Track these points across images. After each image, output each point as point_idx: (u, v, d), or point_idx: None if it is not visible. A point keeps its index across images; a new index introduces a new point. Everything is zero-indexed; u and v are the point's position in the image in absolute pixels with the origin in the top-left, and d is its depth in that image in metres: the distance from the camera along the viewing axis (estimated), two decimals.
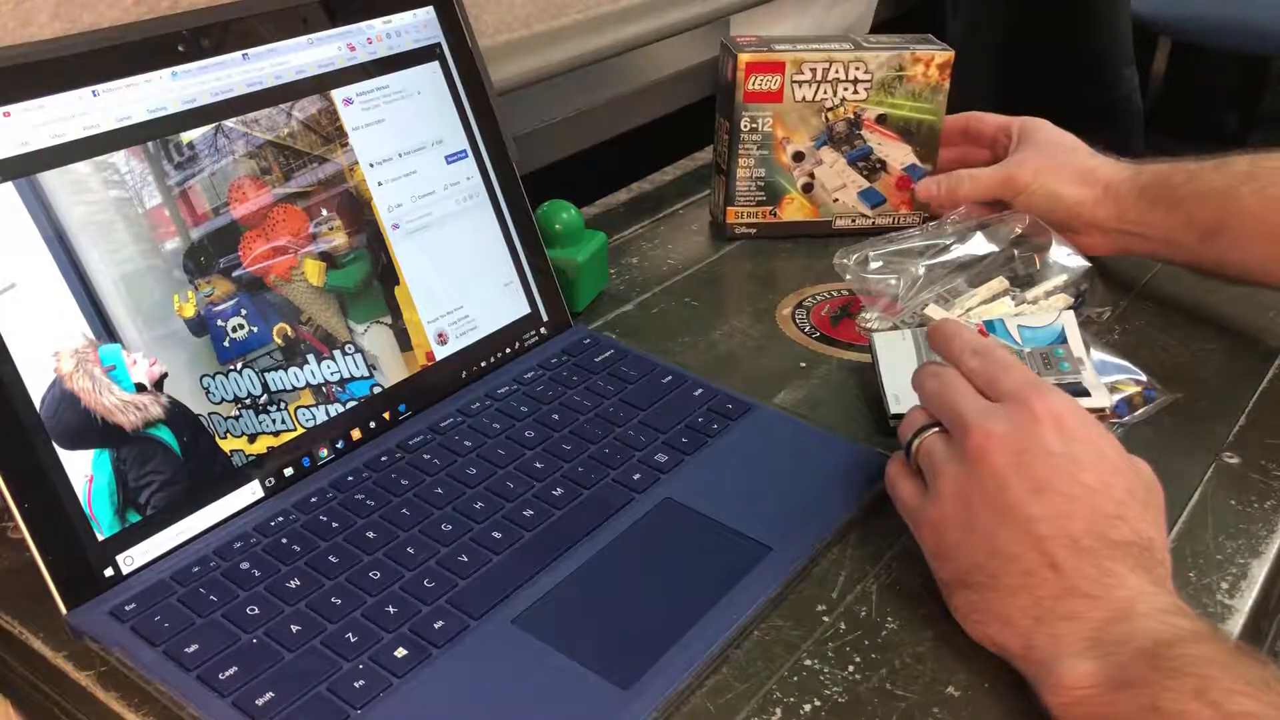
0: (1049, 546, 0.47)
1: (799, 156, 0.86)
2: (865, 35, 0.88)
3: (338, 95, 0.63)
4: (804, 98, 0.84)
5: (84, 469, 0.52)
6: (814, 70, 0.83)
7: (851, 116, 0.86)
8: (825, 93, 0.84)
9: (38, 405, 0.50)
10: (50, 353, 0.51)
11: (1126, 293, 0.82)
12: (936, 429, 0.53)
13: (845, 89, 0.84)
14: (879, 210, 0.89)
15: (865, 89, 0.85)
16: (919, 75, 0.85)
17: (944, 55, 0.85)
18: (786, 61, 0.83)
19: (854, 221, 0.90)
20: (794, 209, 0.88)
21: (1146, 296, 0.81)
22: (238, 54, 0.59)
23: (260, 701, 0.46)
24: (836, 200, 0.89)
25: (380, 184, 0.65)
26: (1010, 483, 0.48)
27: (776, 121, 0.85)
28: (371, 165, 0.65)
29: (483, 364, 0.69)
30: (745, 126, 0.85)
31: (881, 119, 0.86)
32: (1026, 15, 1.71)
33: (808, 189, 0.88)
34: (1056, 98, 1.74)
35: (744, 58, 0.82)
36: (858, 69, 0.84)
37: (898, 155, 0.88)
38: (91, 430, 0.52)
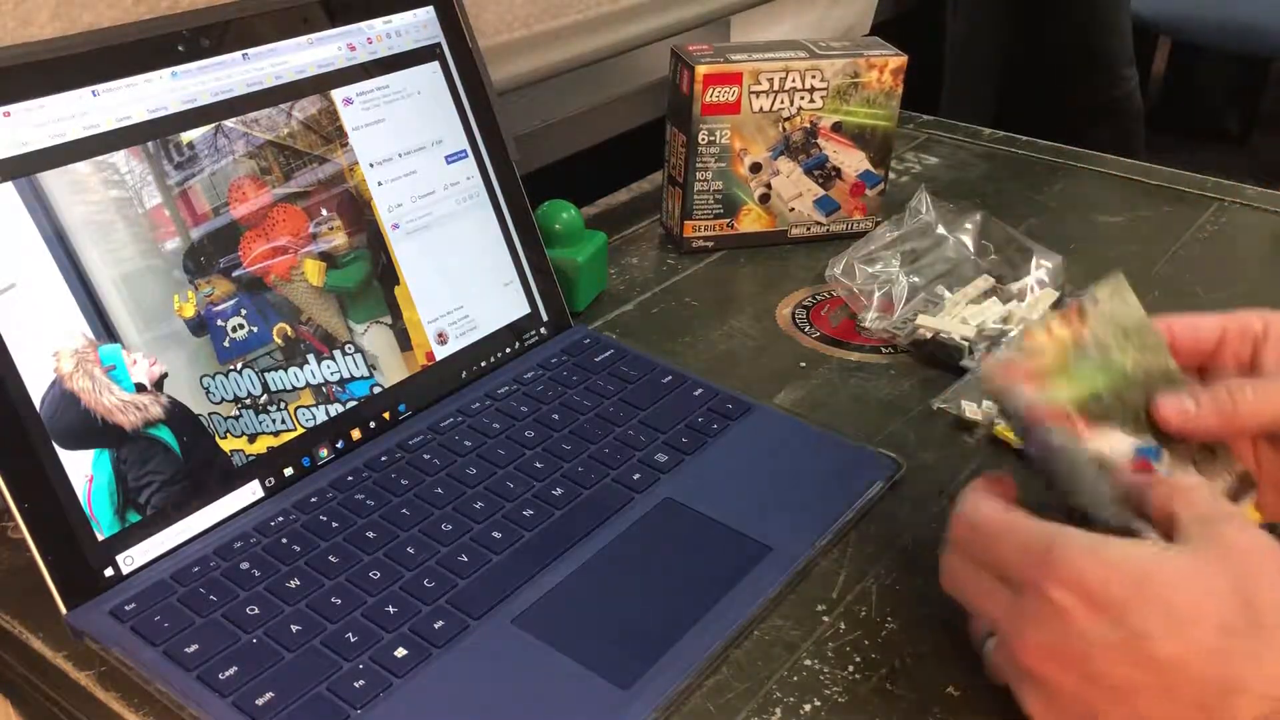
0: None
1: (756, 168, 0.85)
2: (819, 41, 0.87)
3: (338, 95, 0.63)
4: (761, 108, 0.83)
5: (84, 469, 0.52)
6: (771, 80, 0.82)
7: (808, 125, 0.85)
8: (782, 102, 0.83)
9: (38, 405, 0.50)
10: (50, 353, 0.51)
11: None
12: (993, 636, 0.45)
13: (802, 98, 0.83)
14: (833, 217, 0.89)
15: (821, 97, 0.84)
16: (873, 81, 0.84)
17: (897, 60, 0.84)
18: (744, 72, 0.81)
19: (809, 230, 0.89)
20: (751, 220, 0.88)
21: (1147, 295, 0.81)
22: (238, 54, 0.59)
23: (260, 701, 0.46)
24: (793, 210, 0.88)
25: (380, 184, 0.65)
26: (1081, 698, 0.40)
27: (734, 133, 0.84)
28: (371, 165, 0.65)
29: (483, 364, 0.69)
30: (703, 139, 0.83)
31: (837, 127, 0.86)
32: (1026, 15, 1.71)
33: (765, 200, 0.87)
34: (1056, 98, 1.74)
35: (701, 70, 0.81)
36: (814, 77, 0.83)
37: (852, 162, 0.87)
38: (91, 430, 0.52)
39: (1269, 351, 0.50)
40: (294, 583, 0.52)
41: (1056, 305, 0.76)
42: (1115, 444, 0.49)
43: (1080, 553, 0.41)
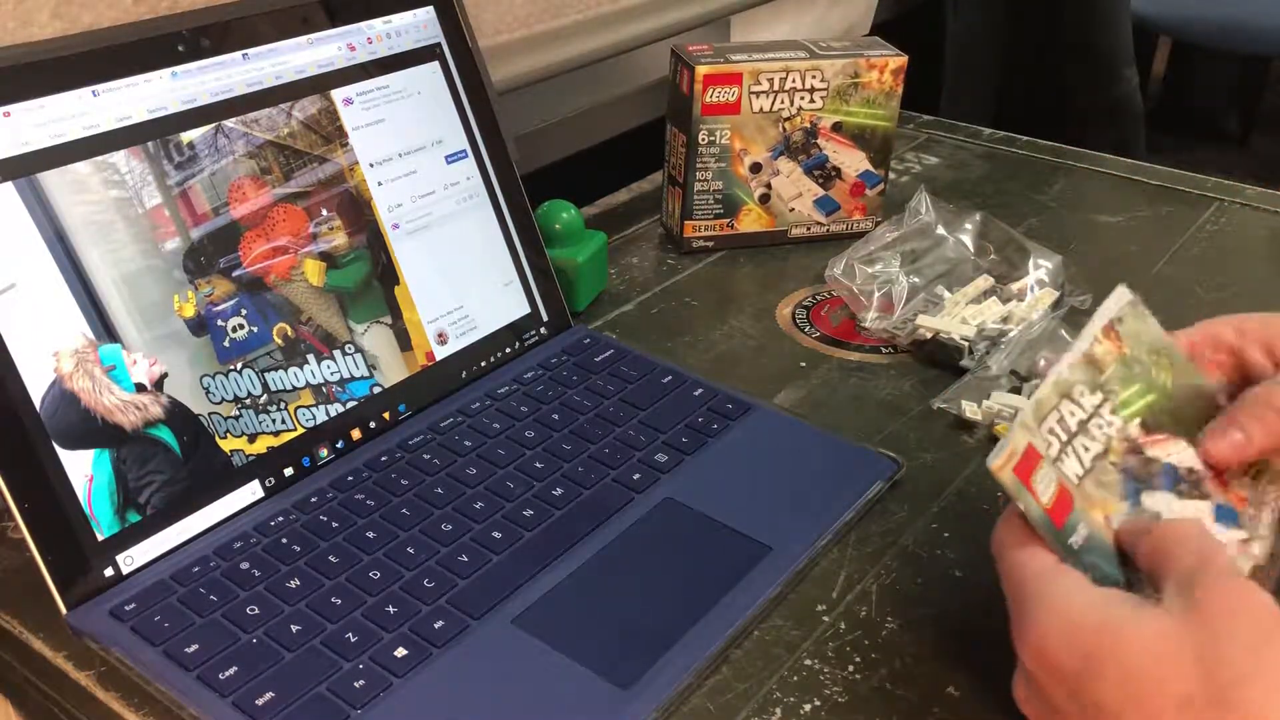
0: None
1: (756, 168, 0.85)
2: (819, 41, 0.87)
3: (338, 95, 0.63)
4: (761, 108, 0.83)
5: (84, 469, 0.52)
6: (771, 80, 0.82)
7: (808, 125, 0.85)
8: (782, 103, 0.83)
9: (38, 405, 0.50)
10: (50, 353, 0.51)
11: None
12: None
13: (802, 98, 0.83)
14: (833, 217, 0.89)
15: (821, 97, 0.84)
16: (873, 81, 0.84)
17: (897, 60, 0.84)
18: (744, 73, 0.81)
19: (809, 230, 0.89)
20: (751, 220, 0.88)
21: (1146, 295, 0.81)
22: (238, 54, 0.59)
23: (260, 701, 0.46)
24: (793, 210, 0.88)
25: (380, 184, 0.65)
26: None
27: (734, 134, 0.83)
28: (371, 165, 0.65)
29: (483, 364, 0.69)
30: (703, 140, 0.83)
31: (837, 127, 0.86)
32: (1026, 15, 1.71)
33: (765, 200, 0.87)
34: (1056, 98, 1.74)
35: (701, 70, 0.81)
36: (814, 77, 0.83)
37: (852, 162, 0.87)
38: (91, 430, 0.52)
39: (1251, 348, 0.50)
40: (294, 583, 0.52)
41: (1056, 305, 0.76)
42: (1188, 455, 0.47)
43: (1047, 614, 0.40)
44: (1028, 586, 0.42)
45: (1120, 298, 0.50)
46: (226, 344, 0.58)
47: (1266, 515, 0.47)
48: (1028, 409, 0.45)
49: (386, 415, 0.63)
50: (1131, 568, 0.44)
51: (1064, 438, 0.46)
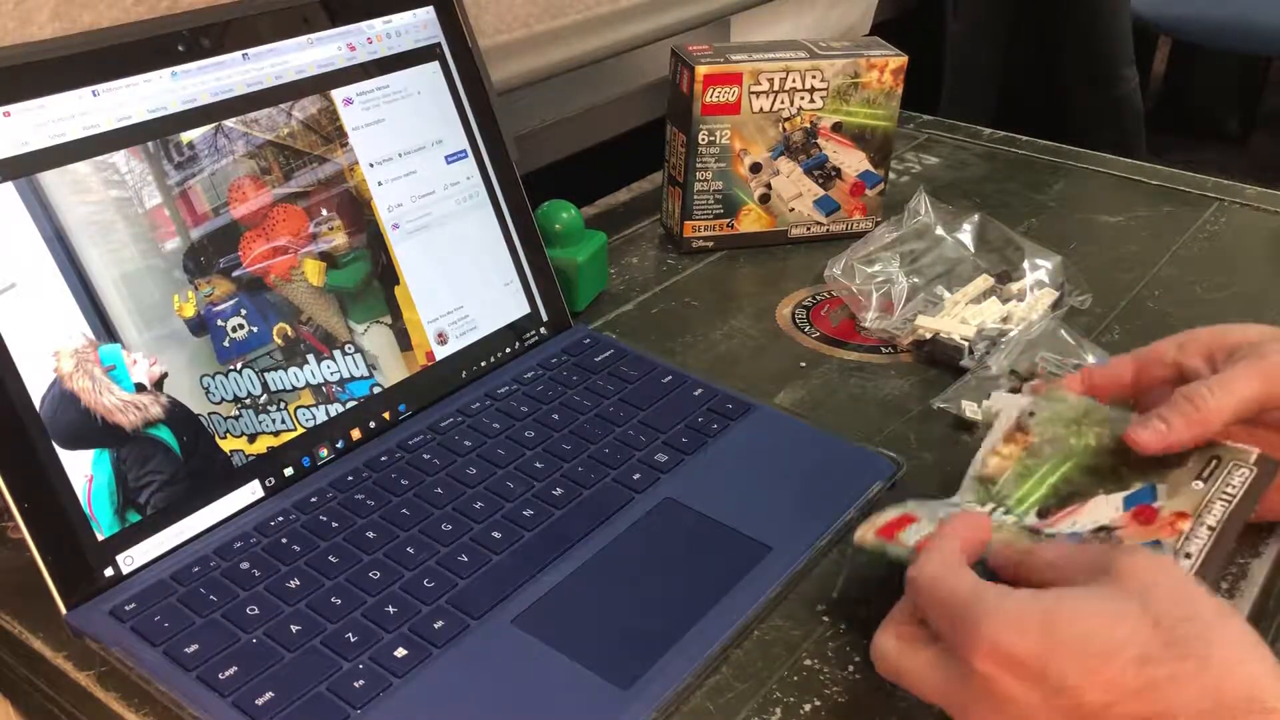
0: None
1: (756, 168, 0.85)
2: (819, 41, 0.87)
3: (338, 95, 0.63)
4: (761, 108, 0.83)
5: (84, 469, 0.52)
6: (771, 80, 0.82)
7: (808, 125, 0.85)
8: (782, 102, 0.83)
9: (38, 405, 0.50)
10: (50, 353, 0.51)
11: (1127, 292, 0.82)
12: None
13: (802, 98, 0.83)
14: (833, 217, 0.89)
15: (821, 97, 0.84)
16: (873, 81, 0.84)
17: (897, 60, 0.84)
18: (744, 72, 0.81)
19: (809, 230, 0.89)
20: (751, 220, 0.88)
21: (1147, 295, 0.81)
22: (238, 54, 0.59)
23: (260, 701, 0.46)
24: (793, 210, 0.88)
25: (380, 184, 0.65)
26: None
27: (734, 134, 0.83)
28: (371, 165, 0.65)
29: (483, 364, 0.69)
30: (703, 140, 0.83)
31: (837, 127, 0.86)
32: (1027, 16, 1.71)
33: (765, 200, 0.87)
34: (1057, 98, 1.74)
35: (701, 70, 0.81)
36: (814, 77, 0.83)
37: (852, 162, 0.87)
38: (91, 430, 0.52)
39: (1190, 358, 0.54)
40: (294, 583, 0.52)
41: (1056, 305, 0.76)
42: (1100, 513, 0.51)
43: (991, 613, 0.41)
44: (962, 601, 0.42)
45: (1015, 405, 0.57)
46: (226, 344, 0.58)
47: (1213, 514, 0.49)
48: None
49: (386, 415, 0.63)
50: None
51: None
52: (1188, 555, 0.47)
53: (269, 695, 0.46)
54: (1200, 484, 0.50)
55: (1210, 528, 0.49)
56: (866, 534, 0.51)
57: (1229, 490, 0.50)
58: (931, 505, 0.53)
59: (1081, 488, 0.53)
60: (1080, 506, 0.51)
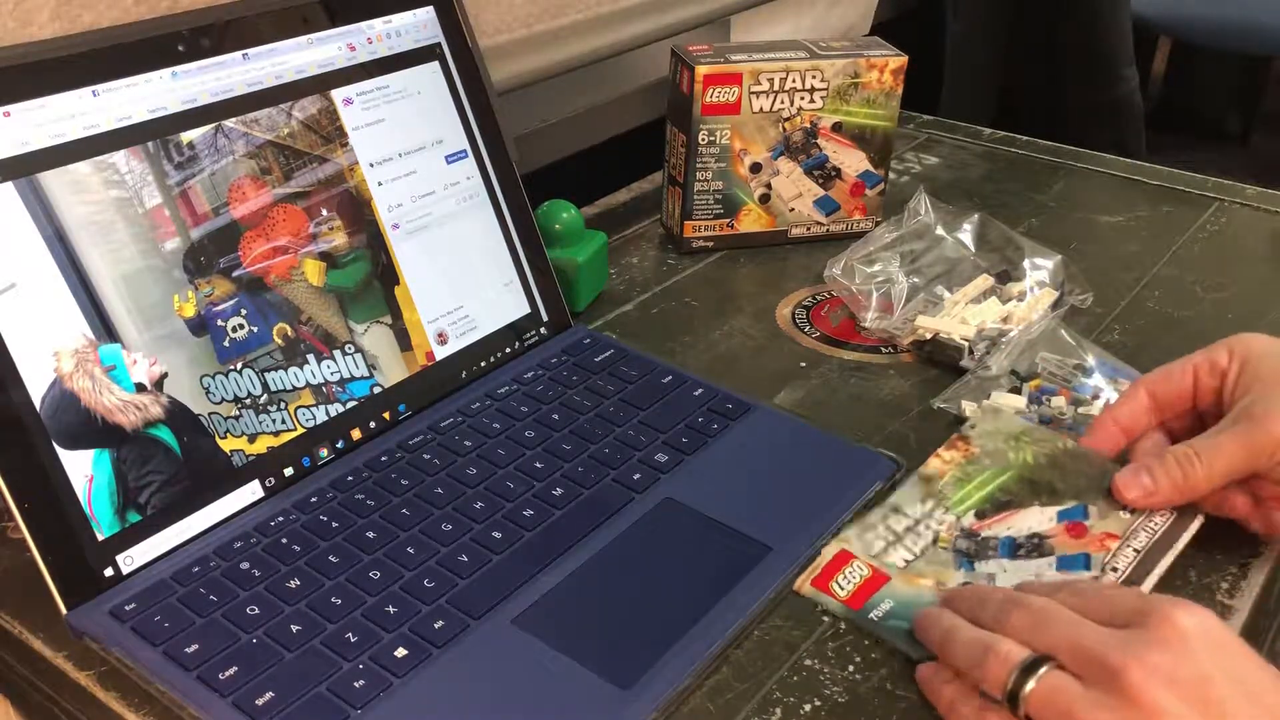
0: None
1: (756, 168, 0.85)
2: (819, 41, 0.87)
3: (338, 95, 0.63)
4: (761, 108, 0.83)
5: (84, 469, 0.52)
6: (771, 80, 0.82)
7: (808, 125, 0.85)
8: (782, 102, 0.83)
9: (38, 405, 0.50)
10: (50, 353, 0.51)
11: (1127, 291, 0.82)
12: (1052, 665, 0.43)
13: (802, 98, 0.83)
14: (833, 217, 0.89)
15: (821, 97, 0.84)
16: (873, 81, 0.84)
17: (897, 60, 0.84)
18: (744, 73, 0.81)
19: (809, 230, 0.89)
20: (751, 220, 0.87)
21: (1147, 295, 0.81)
22: (238, 54, 0.59)
23: (260, 701, 0.46)
24: (793, 210, 0.88)
25: (380, 184, 0.65)
26: None
27: (734, 134, 0.83)
28: (371, 165, 0.65)
29: (483, 364, 0.69)
30: (703, 140, 0.83)
31: (837, 127, 0.86)
32: (1027, 16, 1.71)
33: (765, 200, 0.87)
34: (1057, 98, 1.74)
35: (701, 70, 0.80)
36: (814, 77, 0.83)
37: (852, 162, 0.87)
38: (91, 430, 0.52)
39: (1227, 387, 0.55)
40: (294, 583, 0.52)
41: (1056, 305, 0.76)
42: (1034, 521, 0.55)
43: (1198, 606, 0.43)
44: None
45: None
46: (226, 344, 0.58)
47: (1139, 540, 0.54)
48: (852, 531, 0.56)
49: (386, 415, 0.63)
50: None
51: (891, 539, 0.55)
52: (1115, 569, 0.52)
53: (269, 695, 0.46)
54: (1127, 514, 0.55)
55: (1136, 550, 0.53)
56: (804, 584, 0.54)
57: (1152, 525, 0.54)
58: (868, 539, 0.56)
59: (1017, 498, 0.57)
60: (1015, 513, 0.56)
